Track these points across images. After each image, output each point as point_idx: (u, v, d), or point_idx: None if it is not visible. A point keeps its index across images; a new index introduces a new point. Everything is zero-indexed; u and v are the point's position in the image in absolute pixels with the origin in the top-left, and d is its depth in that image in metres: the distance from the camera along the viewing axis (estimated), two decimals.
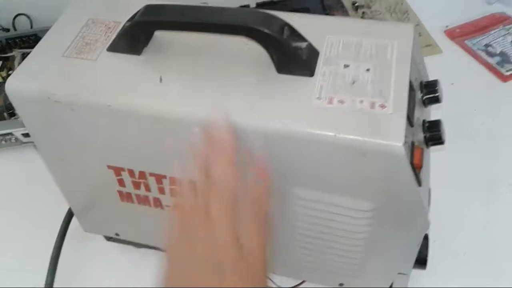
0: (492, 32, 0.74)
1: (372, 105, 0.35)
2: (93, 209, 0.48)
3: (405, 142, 0.33)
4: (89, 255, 0.53)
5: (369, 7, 0.76)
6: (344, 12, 0.75)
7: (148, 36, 0.39)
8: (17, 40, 0.73)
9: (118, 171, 0.42)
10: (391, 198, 0.36)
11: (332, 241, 0.41)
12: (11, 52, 0.72)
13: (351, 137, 0.33)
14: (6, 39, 0.73)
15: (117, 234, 0.51)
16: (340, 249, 0.42)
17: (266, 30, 0.35)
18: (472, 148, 0.61)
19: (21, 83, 0.38)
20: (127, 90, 0.37)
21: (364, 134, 0.33)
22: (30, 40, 0.73)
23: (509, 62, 0.69)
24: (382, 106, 0.35)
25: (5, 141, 0.61)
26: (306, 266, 0.45)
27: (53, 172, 0.45)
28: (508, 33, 0.73)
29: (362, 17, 0.74)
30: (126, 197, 0.45)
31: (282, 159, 0.36)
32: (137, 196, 0.44)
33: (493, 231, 0.53)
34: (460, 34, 0.75)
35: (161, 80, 0.37)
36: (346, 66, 0.37)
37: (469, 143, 0.61)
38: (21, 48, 0.72)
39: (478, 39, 0.73)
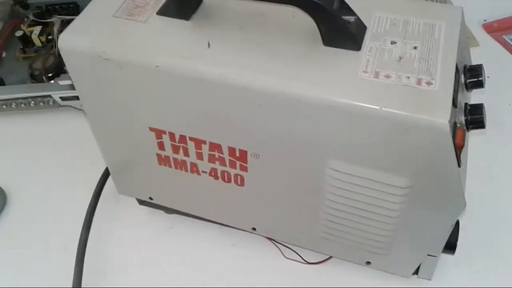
0: None
1: (419, 82, 0.35)
2: (130, 171, 0.50)
3: (450, 120, 0.33)
4: (121, 218, 0.55)
5: None
6: None
7: (198, 2, 0.39)
8: (56, 7, 0.74)
9: (159, 133, 0.43)
10: (429, 176, 0.37)
11: (364, 217, 0.41)
12: (51, 18, 0.73)
13: (396, 111, 0.33)
14: (46, 5, 0.75)
15: (150, 198, 0.52)
16: (371, 226, 0.42)
17: (316, 0, 0.35)
18: (506, 140, 0.61)
19: (73, 39, 0.39)
20: (175, 52, 0.37)
21: (409, 108, 0.33)
22: (69, 7, 0.74)
23: None
24: (429, 83, 0.35)
25: (43, 103, 0.63)
26: (335, 241, 0.45)
27: (95, 130, 0.46)
28: None
29: None
30: (164, 160, 0.46)
31: (322, 130, 0.36)
32: (175, 160, 0.45)
33: None
34: (498, 29, 0.74)
35: (209, 45, 0.38)
36: (393, 42, 0.37)
37: (503, 135, 0.61)
38: (60, 15, 0.73)
39: None
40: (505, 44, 0.71)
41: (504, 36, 0.72)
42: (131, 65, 0.38)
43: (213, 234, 0.53)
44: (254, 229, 0.50)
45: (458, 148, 0.36)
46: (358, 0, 0.39)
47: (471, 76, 0.41)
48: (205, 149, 0.43)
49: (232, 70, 0.36)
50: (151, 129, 0.43)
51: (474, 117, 0.39)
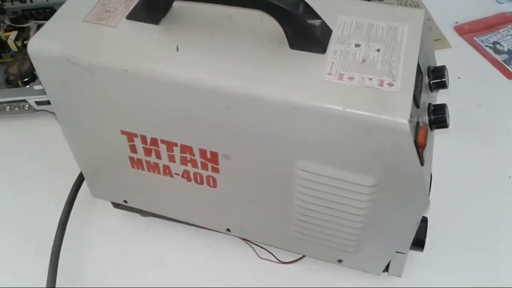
0: (501, 30, 0.75)
1: (381, 83, 0.36)
2: (103, 174, 0.50)
3: (410, 120, 0.34)
4: (96, 221, 0.55)
5: None
6: None
7: (167, 7, 0.40)
8: (33, 12, 0.74)
9: (131, 136, 0.43)
10: (393, 174, 0.38)
11: (333, 215, 0.42)
12: (27, 23, 0.73)
13: (359, 112, 0.35)
14: (23, 10, 0.74)
15: (125, 201, 0.52)
16: (340, 224, 0.43)
17: (281, 5, 0.36)
18: (475, 140, 0.62)
19: (43, 44, 0.39)
20: (144, 56, 0.38)
21: (371, 109, 0.34)
22: (45, 12, 0.74)
23: None
24: (390, 84, 0.36)
25: (19, 107, 0.63)
26: (307, 240, 0.46)
27: (67, 134, 0.46)
28: None
29: None
30: (137, 163, 0.46)
31: (288, 131, 0.37)
32: (148, 162, 0.46)
33: (490, 221, 0.54)
34: (469, 31, 0.76)
35: (177, 49, 0.38)
36: (357, 45, 0.39)
37: (472, 135, 0.63)
38: (36, 19, 0.73)
39: (486, 37, 0.74)
40: (476, 46, 0.73)
41: (475, 38, 0.74)
42: (100, 69, 0.38)
43: (188, 236, 0.53)
44: (228, 230, 0.50)
45: (420, 146, 0.37)
46: (323, 3, 0.40)
47: (435, 77, 0.42)
48: (176, 151, 0.43)
49: (199, 73, 0.37)
50: (123, 132, 0.43)
51: (437, 117, 0.40)
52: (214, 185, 0.45)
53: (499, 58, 0.71)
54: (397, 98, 0.35)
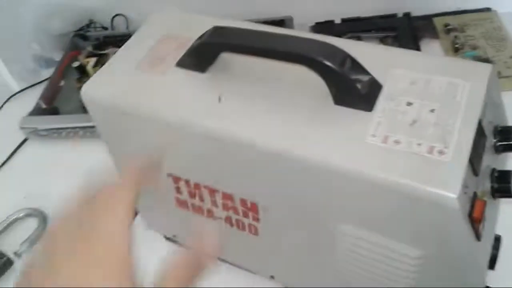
0: None
1: (430, 150, 0.32)
2: (153, 209, 0.51)
3: (461, 194, 0.31)
4: (148, 251, 0.56)
5: (462, 31, 0.71)
6: (434, 34, 0.71)
7: (214, 56, 0.40)
8: (113, 39, 0.79)
9: (176, 179, 0.44)
10: (443, 248, 0.34)
11: (374, 281, 0.39)
12: (107, 49, 0.77)
13: (402, 181, 0.32)
14: (104, 37, 0.79)
15: (174, 236, 0.53)
16: None
17: (324, 61, 0.34)
18: None
19: (94, 91, 0.41)
20: (186, 107, 0.38)
21: (416, 179, 0.31)
22: (125, 40, 0.78)
23: None
24: (441, 152, 0.32)
25: (90, 133, 0.67)
26: None
27: (118, 168, 0.48)
28: None
29: (453, 41, 0.69)
30: (182, 204, 0.46)
31: (326, 193, 0.35)
32: (192, 204, 0.46)
33: None
34: None
35: (219, 100, 0.38)
36: (409, 103, 0.35)
37: None
38: (116, 46, 0.78)
39: None
40: None
41: None
42: (144, 119, 0.39)
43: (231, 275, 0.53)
44: (272, 277, 0.49)
45: (476, 222, 0.33)
46: (378, 55, 0.38)
47: (502, 139, 0.37)
48: (218, 197, 0.43)
49: (237, 127, 0.36)
50: (169, 175, 0.44)
51: (501, 186, 0.36)
52: (256, 233, 0.44)
53: None
54: (448, 169, 0.31)
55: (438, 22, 0.73)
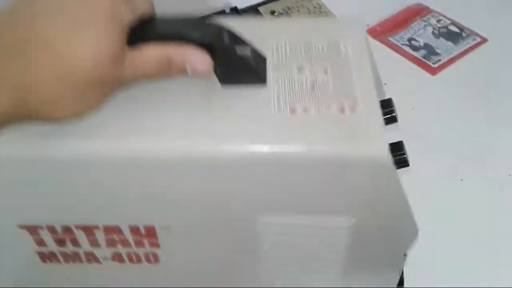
0: (412, 25, 0.74)
1: (342, 109, 0.30)
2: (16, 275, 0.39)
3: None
4: None
5: (288, 14, 0.73)
6: None
7: None
8: None
9: (33, 229, 0.33)
10: (375, 209, 0.32)
11: (306, 265, 0.35)
12: None
13: (328, 148, 0.28)
14: None
15: None
16: (316, 272, 0.36)
17: (203, 38, 0.28)
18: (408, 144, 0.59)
19: None
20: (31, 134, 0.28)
21: (341, 143, 0.28)
22: None
23: (434, 53, 0.69)
24: (353, 108, 0.30)
25: None
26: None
27: None
28: (427, 24, 0.73)
29: None
30: (49, 257, 0.36)
31: (242, 186, 0.30)
32: (64, 254, 0.35)
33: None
34: (382, 32, 0.74)
35: None
36: (300, 69, 0.32)
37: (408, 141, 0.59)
38: None
39: (400, 34, 0.73)
40: (392, 46, 0.71)
41: (389, 38, 0.72)
42: None
43: None
44: None
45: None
46: (246, 27, 0.33)
47: (384, 113, 0.35)
48: (99, 235, 0.34)
49: (115, 143, 0.28)
50: (21, 227, 0.33)
51: (398, 158, 0.34)
52: (157, 261, 0.36)
53: (418, 54, 0.69)
54: (366, 123, 0.29)
55: (264, 10, 0.74)
